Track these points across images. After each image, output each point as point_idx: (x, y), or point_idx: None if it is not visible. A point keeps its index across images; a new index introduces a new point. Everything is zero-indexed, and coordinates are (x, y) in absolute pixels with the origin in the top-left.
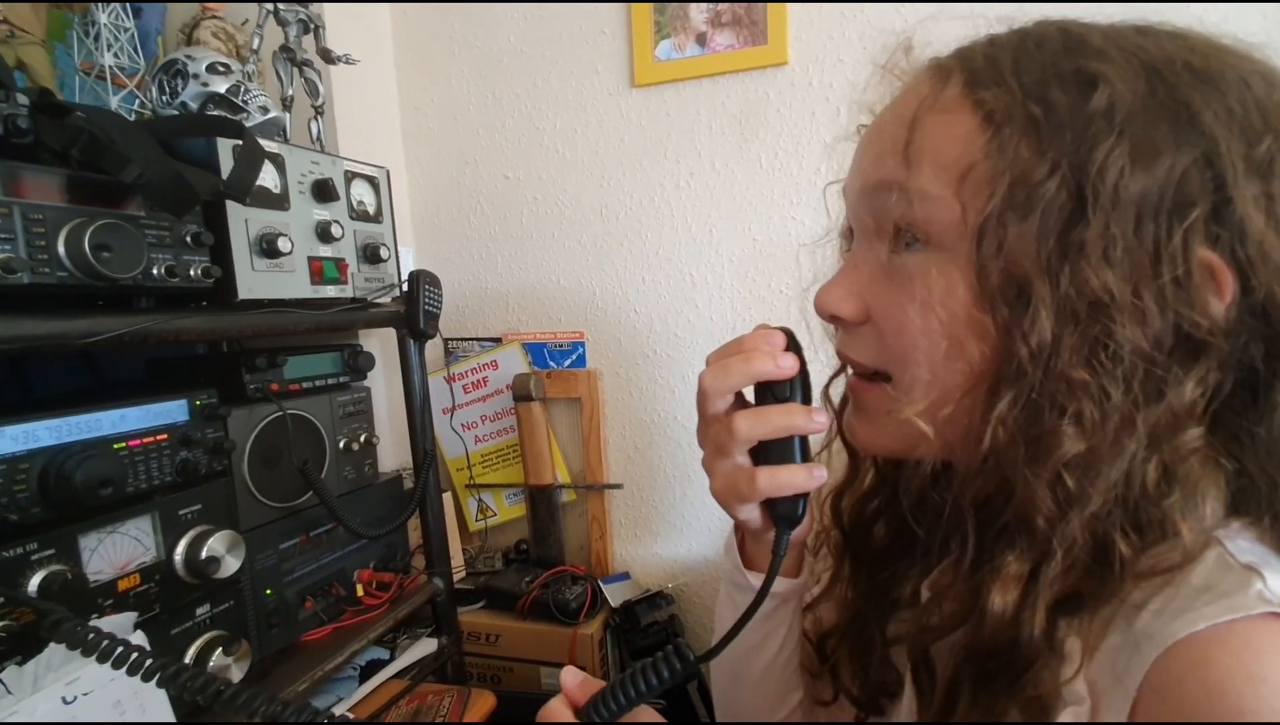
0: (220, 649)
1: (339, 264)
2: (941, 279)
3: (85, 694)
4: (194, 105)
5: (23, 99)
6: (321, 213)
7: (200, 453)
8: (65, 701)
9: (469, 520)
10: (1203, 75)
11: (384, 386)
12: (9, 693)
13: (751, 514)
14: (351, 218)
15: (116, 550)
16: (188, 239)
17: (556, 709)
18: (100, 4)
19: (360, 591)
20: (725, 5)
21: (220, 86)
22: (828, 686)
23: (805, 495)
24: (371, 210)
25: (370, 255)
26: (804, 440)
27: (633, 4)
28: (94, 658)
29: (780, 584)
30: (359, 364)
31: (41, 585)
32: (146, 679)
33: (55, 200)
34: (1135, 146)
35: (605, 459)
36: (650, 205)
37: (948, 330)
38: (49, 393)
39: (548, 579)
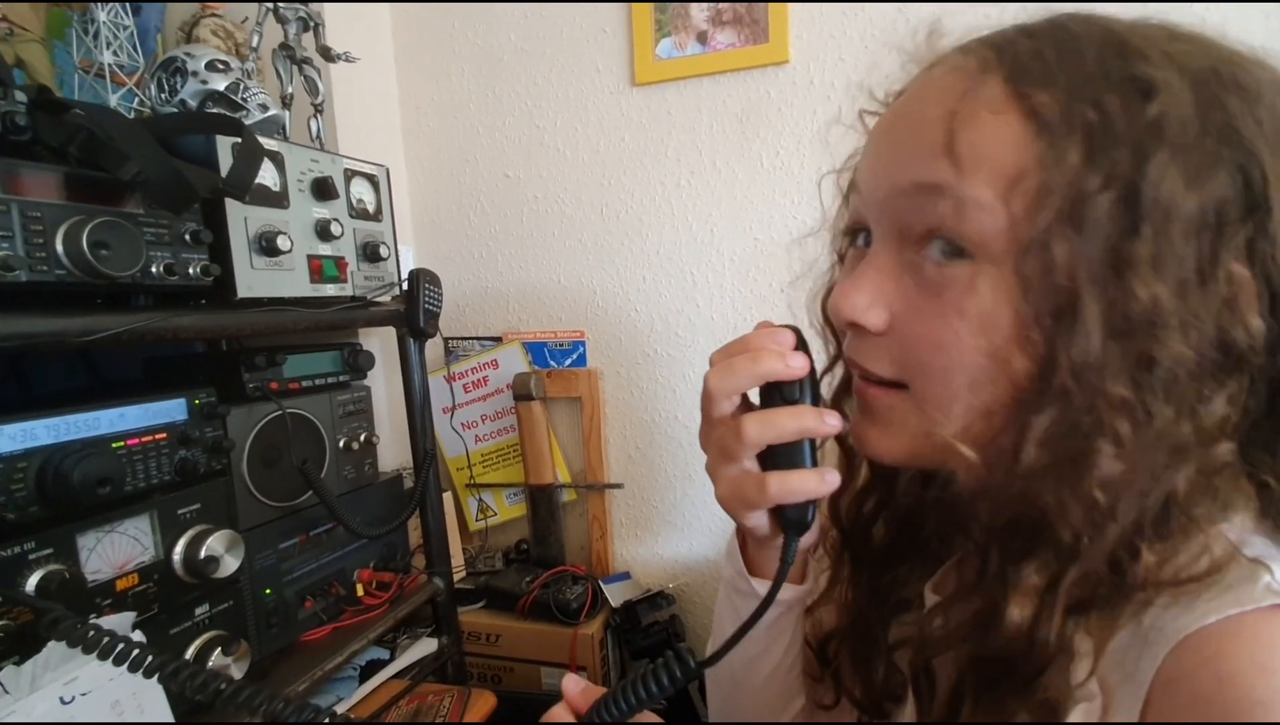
0: (219, 649)
1: (339, 262)
2: (989, 293)
3: (83, 694)
4: (193, 103)
5: (21, 96)
6: (321, 211)
7: (199, 452)
8: (63, 701)
9: (469, 520)
10: (1236, 84)
11: (384, 385)
12: (6, 693)
13: (759, 521)
14: (351, 216)
15: (115, 550)
16: (186, 237)
17: (558, 716)
18: (99, 2)
19: (360, 591)
20: (726, 4)
21: (220, 84)
22: (829, 690)
23: (815, 501)
24: (371, 208)
25: (370, 254)
26: (813, 443)
27: (633, 2)
28: (93, 655)
29: (785, 591)
30: (359, 363)
31: (39, 585)
32: (146, 676)
33: (53, 198)
34: (1187, 159)
35: (606, 458)
36: (651, 204)
37: (991, 346)
38: (47, 391)
39: (548, 579)
